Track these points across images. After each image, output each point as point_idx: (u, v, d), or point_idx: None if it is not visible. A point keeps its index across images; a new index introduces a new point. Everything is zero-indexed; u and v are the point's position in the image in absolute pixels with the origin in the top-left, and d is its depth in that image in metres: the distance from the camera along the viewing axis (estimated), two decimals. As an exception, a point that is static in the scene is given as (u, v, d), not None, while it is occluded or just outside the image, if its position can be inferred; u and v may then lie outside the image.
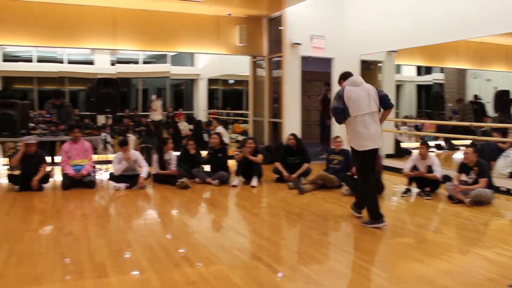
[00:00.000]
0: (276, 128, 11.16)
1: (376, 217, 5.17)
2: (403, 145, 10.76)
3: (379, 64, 10.73)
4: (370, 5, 10.06)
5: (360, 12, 10.33)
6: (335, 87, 10.59)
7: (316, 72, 13.04)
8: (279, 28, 10.53)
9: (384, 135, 10.22)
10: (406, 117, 12.63)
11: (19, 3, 9.26)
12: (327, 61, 10.80)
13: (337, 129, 10.38)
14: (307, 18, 10.40)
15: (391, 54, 10.39)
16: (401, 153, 10.25)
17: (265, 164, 8.33)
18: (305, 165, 7.85)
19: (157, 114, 13.42)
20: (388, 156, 9.71)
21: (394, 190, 7.42)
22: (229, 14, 10.59)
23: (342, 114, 5.19)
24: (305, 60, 10.58)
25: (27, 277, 3.69)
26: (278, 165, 7.98)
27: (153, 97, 13.91)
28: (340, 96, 5.23)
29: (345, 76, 5.49)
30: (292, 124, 10.38)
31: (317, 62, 11.09)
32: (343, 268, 3.98)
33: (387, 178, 7.47)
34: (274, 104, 11.19)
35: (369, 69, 10.83)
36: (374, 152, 5.30)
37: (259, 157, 7.87)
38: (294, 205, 6.38)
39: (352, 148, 5.30)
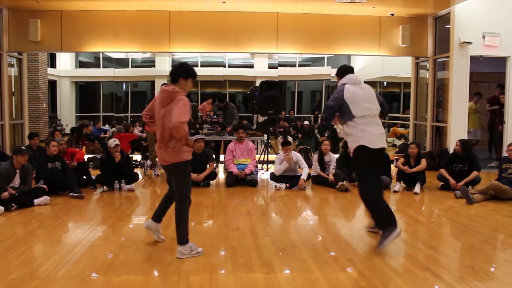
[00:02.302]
0: (439, 132, 10.55)
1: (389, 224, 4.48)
2: None
3: None
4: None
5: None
6: (511, 90, 9.75)
7: (484, 73, 12.05)
8: (447, 26, 9.93)
9: None
10: None
11: (188, 13, 10.09)
12: (500, 61, 9.91)
13: (511, 136, 9.51)
14: (479, 14, 9.67)
15: None
16: None
17: (427, 170, 7.90)
18: (475, 173, 7.28)
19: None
20: None
21: None
22: (392, 14, 10.28)
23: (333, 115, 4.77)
24: (473, 60, 9.84)
25: (202, 266, 3.97)
26: (443, 171, 7.52)
27: None
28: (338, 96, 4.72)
29: (342, 71, 4.94)
30: (458, 128, 9.74)
31: (488, 62, 10.24)
32: (526, 289, 3.59)
33: None
34: (438, 108, 10.58)
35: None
36: (382, 153, 4.79)
37: (423, 163, 7.49)
38: (462, 216, 5.95)
39: (358, 150, 4.61)
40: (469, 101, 10.68)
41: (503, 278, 3.81)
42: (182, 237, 4.22)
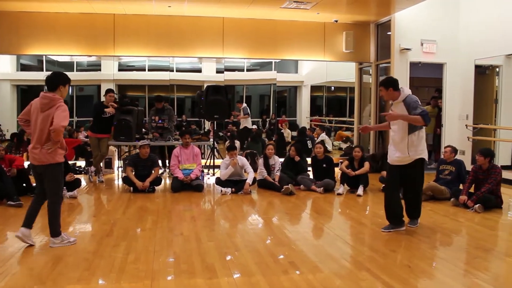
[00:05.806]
0: (382, 136, 10.86)
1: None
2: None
3: (497, 69, 10.05)
4: (488, 7, 9.45)
5: (476, 14, 9.77)
6: (447, 94, 10.17)
7: (424, 78, 12.51)
8: (388, 33, 10.27)
9: (501, 145, 9.63)
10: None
11: (132, 16, 9.96)
12: (438, 67, 10.34)
13: (448, 139, 9.92)
14: (417, 22, 10.05)
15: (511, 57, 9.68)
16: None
17: (370, 173, 8.12)
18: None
19: (246, 121, 13.12)
20: (504, 168, 9.03)
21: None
22: (336, 21, 10.53)
23: None
24: (413, 66, 10.22)
25: (143, 273, 3.92)
26: (385, 174, 7.74)
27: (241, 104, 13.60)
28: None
29: (397, 83, 5.34)
30: (399, 132, 10.01)
31: (426, 67, 10.66)
32: (458, 285, 3.74)
33: (504, 192, 6.95)
34: (381, 112, 10.88)
35: (485, 74, 10.19)
36: None
37: (366, 166, 7.70)
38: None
39: (421, 161, 5.37)
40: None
41: (438, 276, 3.96)
42: (55, 230, 4.61)
